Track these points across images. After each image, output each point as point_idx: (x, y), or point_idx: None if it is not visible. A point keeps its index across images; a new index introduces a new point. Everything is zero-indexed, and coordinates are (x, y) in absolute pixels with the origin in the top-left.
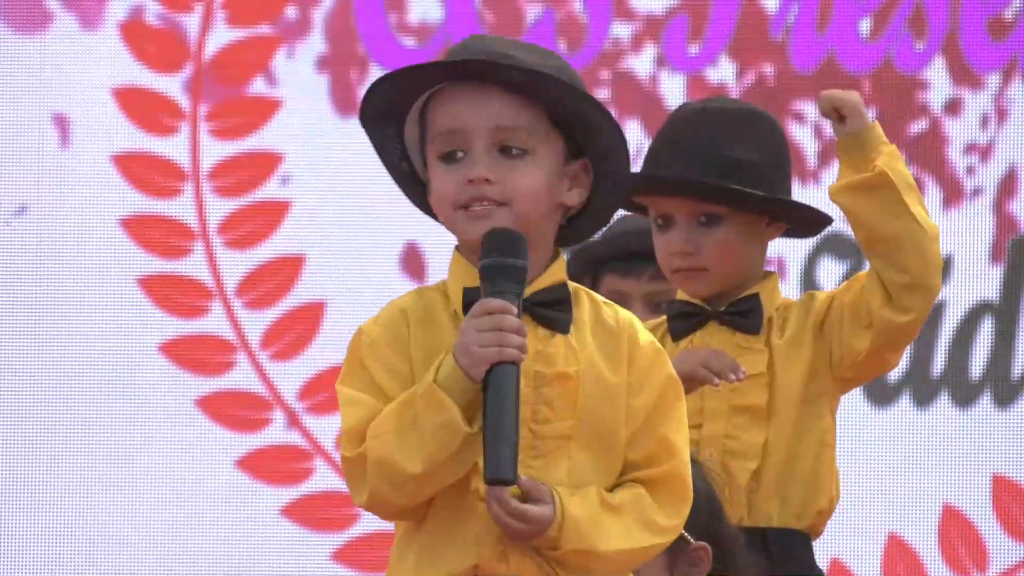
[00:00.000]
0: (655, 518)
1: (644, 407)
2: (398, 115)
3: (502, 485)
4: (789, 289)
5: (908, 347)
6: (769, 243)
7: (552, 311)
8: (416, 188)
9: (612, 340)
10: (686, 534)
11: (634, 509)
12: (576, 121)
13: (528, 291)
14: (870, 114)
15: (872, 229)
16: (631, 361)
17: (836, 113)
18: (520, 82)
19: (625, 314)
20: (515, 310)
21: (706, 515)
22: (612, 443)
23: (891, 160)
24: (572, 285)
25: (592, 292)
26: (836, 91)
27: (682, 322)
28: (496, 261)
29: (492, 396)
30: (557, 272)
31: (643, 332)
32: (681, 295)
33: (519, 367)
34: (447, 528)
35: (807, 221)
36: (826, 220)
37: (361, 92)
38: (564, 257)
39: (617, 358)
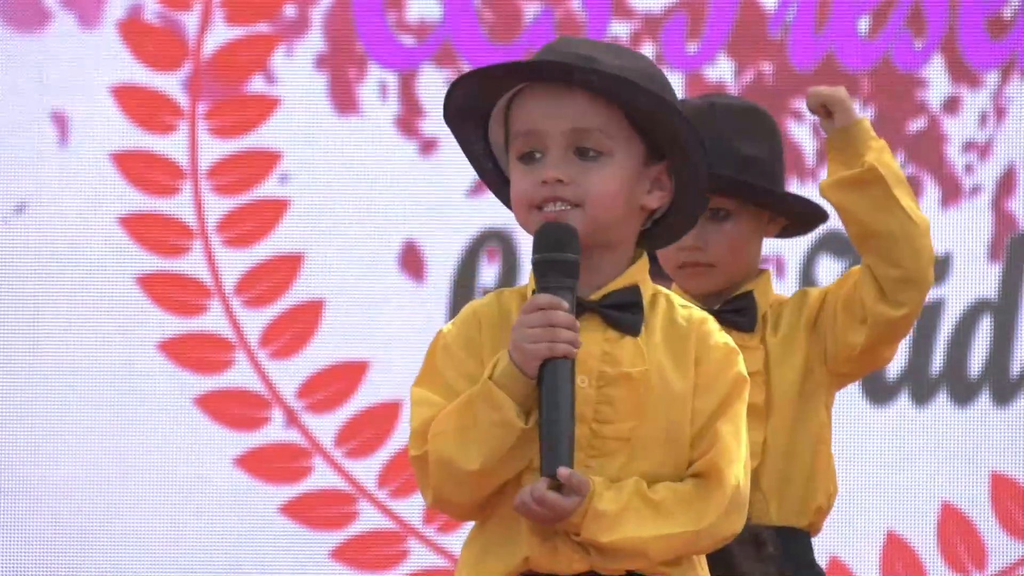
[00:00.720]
0: (688, 507)
1: (708, 408)
2: (482, 115)
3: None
4: (788, 288)
5: (906, 345)
6: (767, 241)
7: (622, 313)
8: (504, 188)
9: (681, 341)
10: None
11: (671, 501)
12: (655, 124)
13: (600, 293)
14: (868, 112)
15: (863, 224)
16: (699, 362)
17: (824, 109)
18: (598, 85)
19: (699, 314)
20: (565, 305)
21: None
22: (677, 445)
23: (880, 155)
24: (653, 287)
25: (672, 294)
26: (823, 87)
27: None
28: (547, 256)
29: (546, 391)
30: (633, 274)
31: (716, 332)
32: (676, 294)
33: (573, 361)
34: (504, 525)
35: (805, 218)
36: (822, 217)
37: (360, 91)
38: (646, 258)
39: (684, 360)
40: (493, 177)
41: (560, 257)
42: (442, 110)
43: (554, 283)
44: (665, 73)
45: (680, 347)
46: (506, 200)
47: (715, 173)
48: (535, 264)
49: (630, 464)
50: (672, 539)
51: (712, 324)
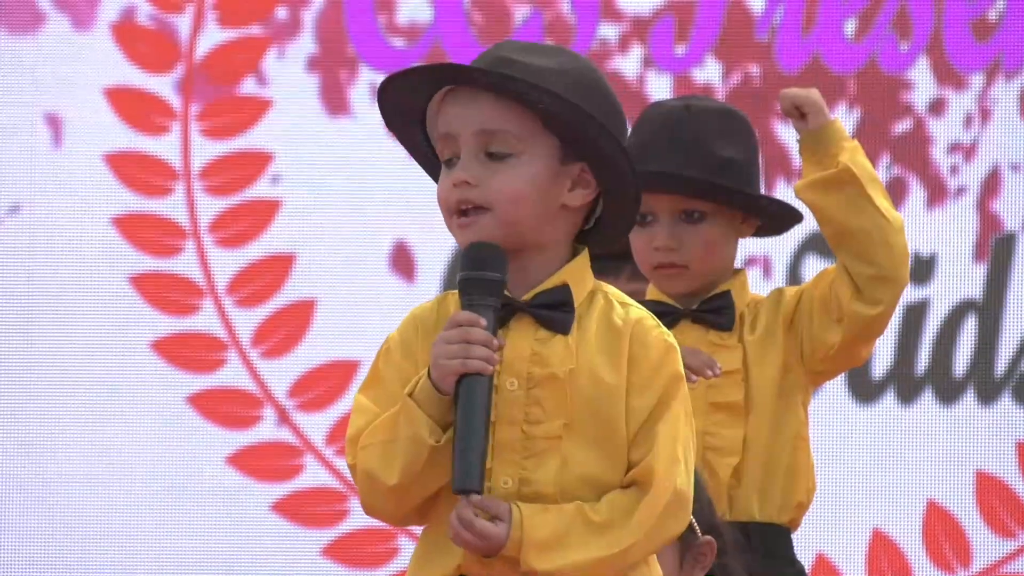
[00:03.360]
0: (629, 519)
1: (645, 407)
2: (419, 118)
3: (469, 494)
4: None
5: (892, 344)
6: (755, 242)
7: (552, 312)
8: None
9: (615, 340)
10: (696, 526)
11: (614, 518)
12: (561, 125)
13: (531, 294)
14: (854, 114)
15: (838, 224)
16: (635, 359)
17: (797, 111)
18: (498, 86)
19: (636, 313)
20: (483, 322)
21: (708, 512)
22: (612, 443)
23: (853, 155)
24: (593, 286)
25: (612, 291)
26: (796, 89)
27: None
28: (471, 275)
29: (461, 407)
30: (563, 274)
31: (654, 330)
32: (652, 294)
33: (490, 379)
34: (441, 532)
35: (779, 218)
36: (797, 217)
37: (351, 92)
38: (584, 257)
39: (617, 358)
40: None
41: (483, 276)
42: (383, 119)
43: (477, 300)
44: (653, 75)
45: (614, 345)
46: None
47: (691, 176)
48: (459, 282)
49: (566, 467)
50: (615, 558)
51: (649, 321)
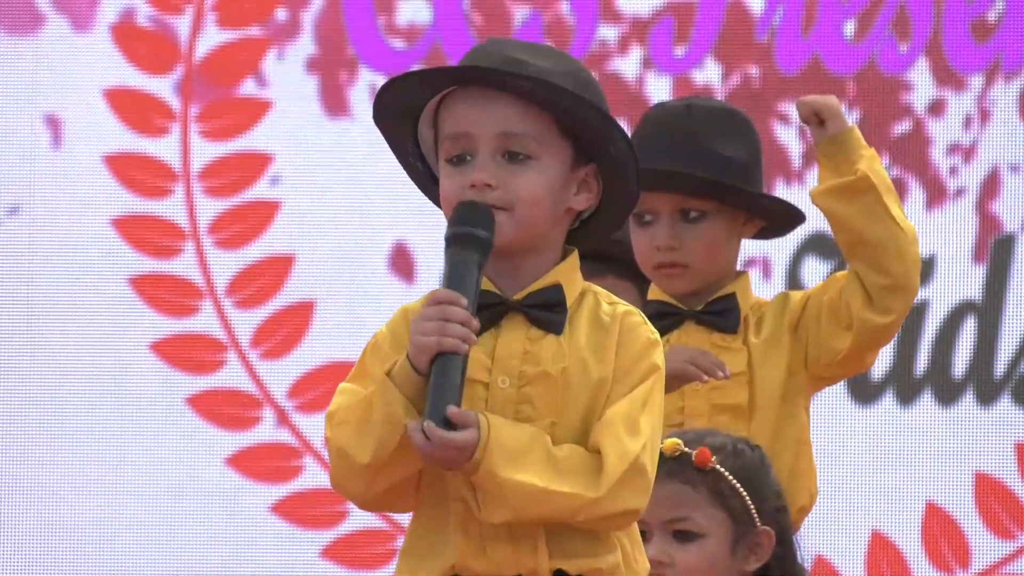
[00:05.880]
0: (586, 472)
1: (619, 396)
2: (413, 116)
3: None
4: (774, 289)
5: (891, 346)
6: (753, 243)
7: (545, 312)
8: (434, 188)
9: (603, 335)
10: (755, 516)
11: (572, 461)
12: (583, 128)
13: (523, 293)
14: (853, 115)
15: (854, 232)
16: (619, 352)
17: (816, 118)
18: (528, 90)
19: (623, 308)
20: (464, 301)
21: (773, 501)
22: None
23: (872, 163)
24: (583, 286)
25: (601, 290)
26: (815, 96)
27: (658, 322)
28: (460, 231)
29: (433, 380)
30: (555, 274)
31: (640, 326)
32: (655, 295)
33: (466, 357)
34: (430, 530)
35: (782, 219)
36: (799, 218)
37: (350, 93)
38: (575, 258)
39: (605, 353)
40: (422, 176)
41: (473, 232)
42: (373, 112)
43: (462, 255)
44: (653, 76)
45: (602, 340)
46: (435, 199)
47: (690, 174)
48: (448, 238)
49: None
50: (561, 497)
51: (636, 317)
